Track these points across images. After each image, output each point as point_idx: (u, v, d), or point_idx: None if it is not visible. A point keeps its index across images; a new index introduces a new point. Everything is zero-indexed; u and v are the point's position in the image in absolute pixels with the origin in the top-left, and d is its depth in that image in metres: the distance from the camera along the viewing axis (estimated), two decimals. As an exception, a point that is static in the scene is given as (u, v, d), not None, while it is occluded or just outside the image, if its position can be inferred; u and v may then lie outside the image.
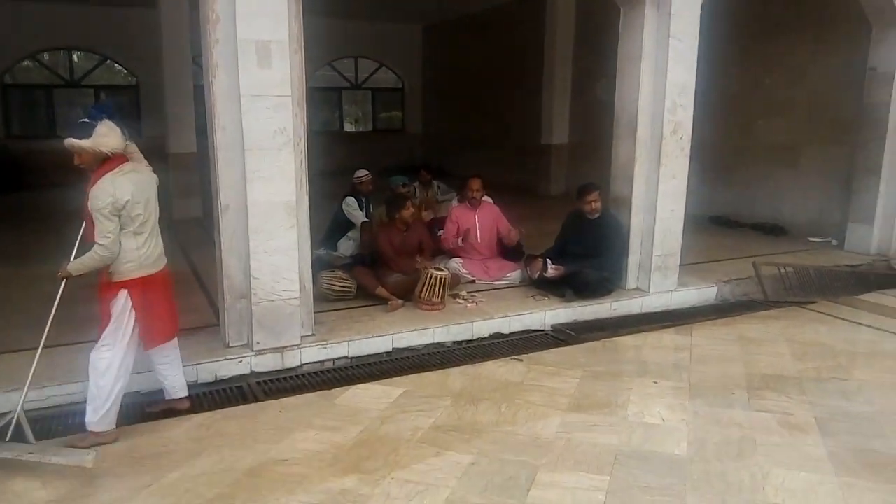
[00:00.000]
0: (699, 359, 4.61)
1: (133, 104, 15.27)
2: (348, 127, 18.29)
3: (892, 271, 6.69)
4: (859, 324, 5.34)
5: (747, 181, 8.79)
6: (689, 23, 5.46)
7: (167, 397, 3.78)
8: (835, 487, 2.98)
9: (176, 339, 3.77)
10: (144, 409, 3.79)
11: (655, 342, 5.00)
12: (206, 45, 4.22)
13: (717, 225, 8.72)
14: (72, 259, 3.38)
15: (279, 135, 4.27)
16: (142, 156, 3.61)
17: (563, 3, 11.67)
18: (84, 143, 3.29)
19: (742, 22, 8.38)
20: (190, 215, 9.61)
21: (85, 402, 3.43)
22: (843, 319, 5.43)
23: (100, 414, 3.36)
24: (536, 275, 5.62)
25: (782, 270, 6.15)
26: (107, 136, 3.31)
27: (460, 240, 6.06)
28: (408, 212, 5.65)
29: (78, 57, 15.12)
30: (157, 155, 11.48)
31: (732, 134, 8.86)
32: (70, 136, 3.33)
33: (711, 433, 3.53)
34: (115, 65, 15.54)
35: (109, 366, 3.36)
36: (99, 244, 3.27)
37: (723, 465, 3.20)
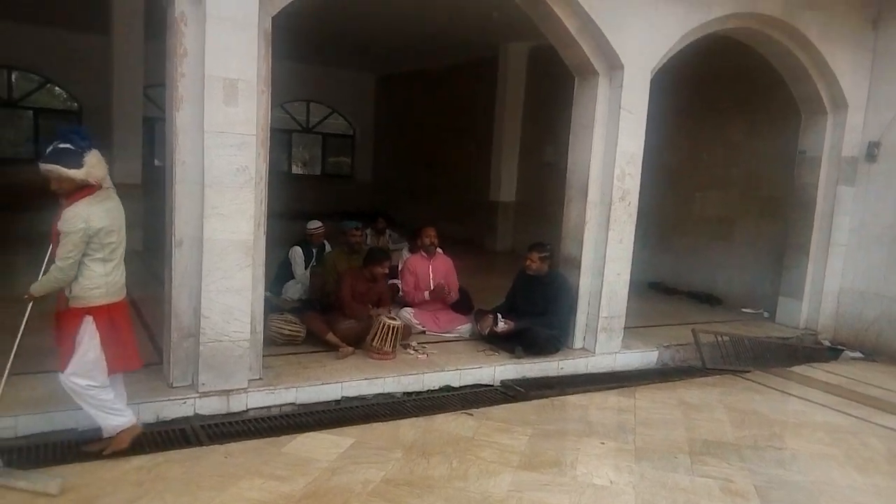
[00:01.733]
0: (643, 421, 4.71)
1: (75, 129, 14.80)
2: (296, 169, 18.20)
3: (819, 345, 7.07)
4: (790, 394, 5.58)
5: (685, 250, 9.19)
6: (639, 96, 5.76)
7: (105, 434, 3.58)
8: (776, 554, 3.07)
9: (121, 374, 3.61)
10: (81, 447, 3.58)
11: (601, 402, 5.09)
12: (172, 79, 4.19)
13: (655, 291, 9.03)
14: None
15: (241, 173, 4.23)
16: (111, 183, 3.51)
17: (515, 68, 12.11)
18: (75, 173, 3.24)
19: (685, 100, 8.89)
20: (130, 247, 9.22)
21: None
22: (776, 389, 5.66)
23: (111, 417, 3.47)
24: (486, 331, 5.67)
25: (719, 339, 6.40)
26: (96, 166, 3.32)
27: (427, 294, 6.09)
28: (382, 270, 5.67)
29: (16, 77, 14.63)
30: (97, 183, 11.22)
31: (672, 204, 9.28)
32: (52, 162, 3.24)
33: (658, 497, 3.59)
34: (56, 88, 15.10)
35: (88, 382, 3.37)
36: (57, 265, 3.24)
37: (670, 529, 3.25)
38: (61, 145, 3.27)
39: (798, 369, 6.27)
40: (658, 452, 4.18)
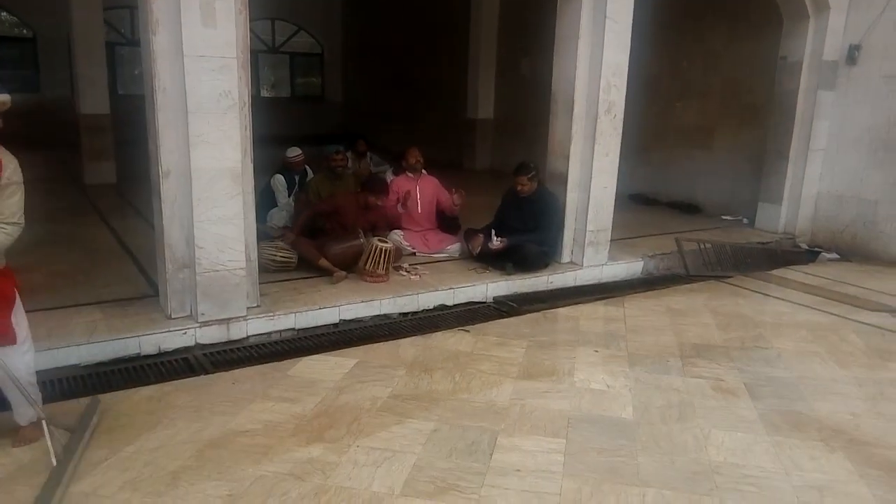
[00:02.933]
0: (633, 329, 4.87)
1: (30, 59, 14.12)
2: (264, 93, 17.68)
3: (797, 249, 7.28)
4: (772, 296, 5.79)
5: (665, 161, 9.24)
6: (624, 4, 5.62)
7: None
8: (768, 446, 3.26)
9: None
10: None
11: (591, 313, 5.23)
12: (145, 1, 3.98)
13: (636, 203, 9.12)
14: None
15: (224, 98, 4.11)
16: None
17: (491, -22, 11.71)
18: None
19: (663, 7, 8.71)
20: (103, 180, 9.07)
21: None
22: (758, 293, 5.86)
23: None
24: (478, 250, 5.70)
25: (702, 246, 6.55)
26: None
27: (400, 205, 6.07)
28: (378, 202, 5.67)
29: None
30: (61, 115, 10.83)
31: (651, 115, 9.24)
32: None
33: (653, 398, 3.76)
34: (4, 14, 14.28)
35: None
36: (17, 227, 2.84)
37: (667, 427, 3.42)
38: None
39: (778, 272, 6.48)
40: (650, 357, 4.35)
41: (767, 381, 4.01)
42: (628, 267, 6.26)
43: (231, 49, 4.09)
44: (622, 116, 5.85)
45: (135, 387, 3.62)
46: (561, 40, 5.86)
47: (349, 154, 8.02)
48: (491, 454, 3.10)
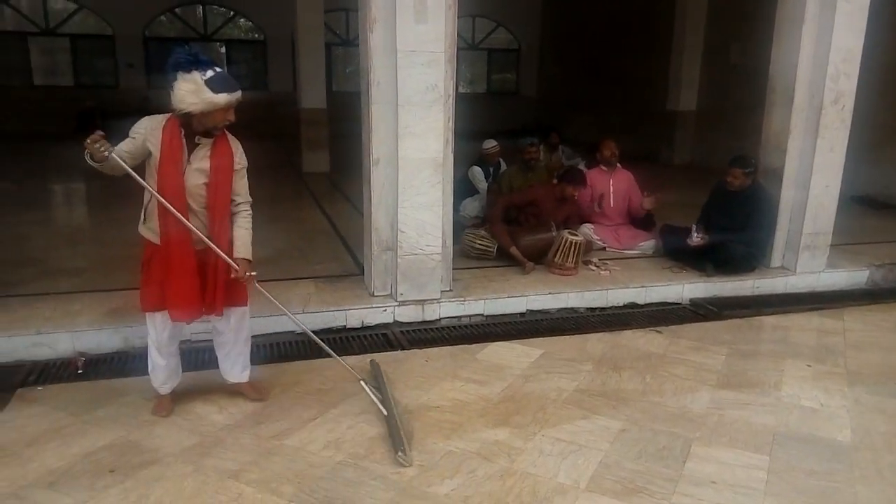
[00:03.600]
0: (854, 344, 4.35)
1: (260, 59, 15.87)
2: (461, 89, 18.25)
3: None
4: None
5: (898, 159, 8.11)
6: (861, -20, 5.02)
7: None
8: None
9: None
10: None
11: (803, 324, 4.76)
12: (365, 1, 4.28)
13: (862, 205, 8.12)
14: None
15: (431, 91, 4.29)
16: None
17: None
18: None
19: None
20: (318, 169, 9.97)
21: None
22: None
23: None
24: (695, 238, 5.30)
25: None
26: None
27: (596, 205, 5.96)
28: (575, 192, 5.66)
29: (208, 12, 15.81)
30: (283, 109, 12.03)
31: (885, 107, 8.15)
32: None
33: (876, 422, 3.34)
34: (243, 20, 16.14)
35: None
36: (248, 204, 3.15)
37: (893, 458, 3.03)
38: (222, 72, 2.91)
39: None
40: (873, 377, 3.87)
41: None
42: (850, 276, 5.59)
43: (440, 44, 4.27)
44: (851, 108, 5.23)
45: (341, 355, 3.91)
46: (782, 23, 5.37)
47: (542, 147, 8.02)
48: (684, 462, 2.95)
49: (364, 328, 4.38)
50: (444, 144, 4.45)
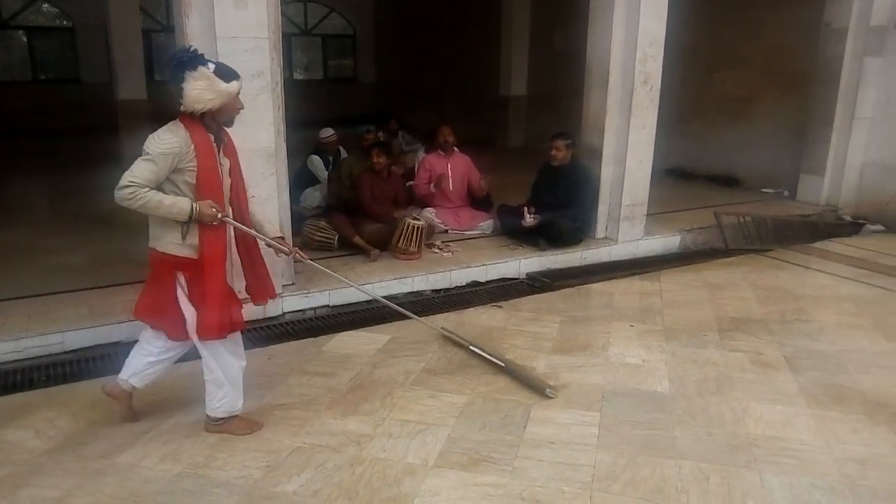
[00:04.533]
0: (669, 303, 4.80)
1: (69, 48, 14.43)
2: (297, 75, 17.76)
3: (840, 221, 7.06)
4: (814, 269, 5.65)
5: (703, 133, 9.01)
6: (661, -29, 5.49)
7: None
8: (808, 419, 3.20)
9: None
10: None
11: (626, 288, 5.17)
12: (177, -16, 4.02)
13: (673, 177, 8.93)
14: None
15: (257, 78, 4.13)
16: None
17: (522, -50, 11.50)
18: None
19: (703, -25, 8.47)
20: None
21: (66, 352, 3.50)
22: (799, 265, 5.72)
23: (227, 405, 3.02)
24: (528, 219, 5.55)
25: (741, 219, 6.40)
26: None
27: (432, 185, 6.07)
28: (379, 159, 5.59)
29: (4, -4, 14.11)
30: (100, 101, 11.05)
31: (689, 86, 8.99)
32: None
33: (690, 372, 3.71)
34: (45, 5, 14.58)
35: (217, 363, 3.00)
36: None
37: (704, 401, 3.38)
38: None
39: (820, 245, 6.31)
40: (687, 331, 4.29)
41: (808, 354, 3.93)
42: (665, 242, 6.16)
43: (263, 30, 4.11)
44: (659, 88, 5.73)
45: (175, 363, 3.69)
46: (595, 10, 5.75)
47: (381, 134, 8.03)
48: (524, 427, 3.10)
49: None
50: (276, 134, 4.32)
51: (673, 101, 8.80)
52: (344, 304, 4.66)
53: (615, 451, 2.91)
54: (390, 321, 4.41)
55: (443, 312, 4.58)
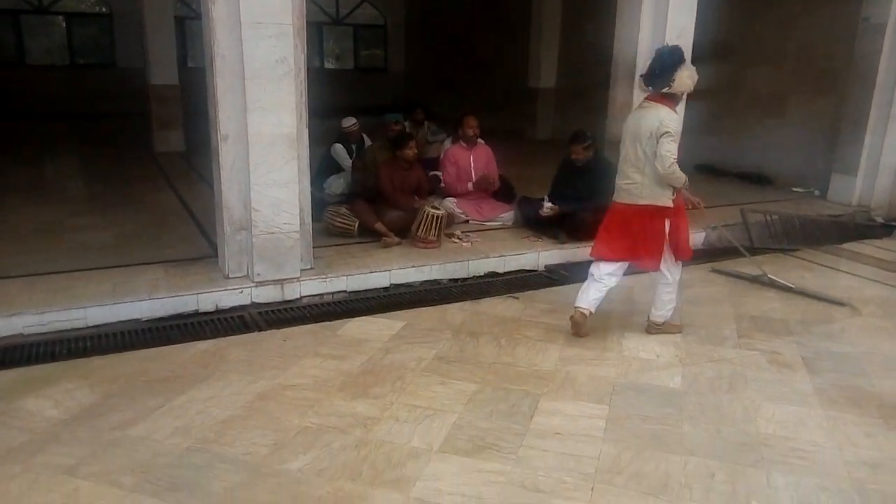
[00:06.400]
0: (689, 299, 4.73)
1: (107, 34, 14.70)
2: (328, 64, 17.86)
3: (872, 222, 6.89)
4: (840, 270, 5.52)
5: (734, 130, 8.85)
6: (692, -36, 5.41)
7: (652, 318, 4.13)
8: (821, 420, 3.14)
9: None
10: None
11: (647, 283, 5.06)
12: (204, -29, 4.07)
13: (702, 173, 8.78)
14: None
15: (280, 64, 4.18)
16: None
17: (554, -59, 11.39)
18: None
19: (738, -32, 8.31)
20: (172, 149, 9.42)
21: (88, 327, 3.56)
22: (826, 266, 5.60)
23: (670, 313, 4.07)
24: (545, 209, 5.56)
25: (768, 218, 6.27)
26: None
27: (471, 185, 6.07)
28: (411, 151, 5.66)
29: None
30: (134, 87, 11.25)
31: (721, 83, 8.86)
32: None
33: (704, 369, 3.67)
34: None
35: (675, 281, 4.01)
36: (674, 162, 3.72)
37: (716, 398, 3.34)
38: None
39: (849, 246, 6.16)
40: (705, 328, 4.24)
41: (828, 355, 3.85)
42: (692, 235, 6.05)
43: (287, 16, 4.16)
44: (686, 82, 5.63)
45: (191, 341, 3.78)
46: (623, 2, 5.69)
47: (407, 123, 8.05)
48: (531, 417, 3.10)
49: (218, 311, 4.22)
50: (298, 119, 4.36)
51: (704, 97, 8.71)
52: (361, 290, 4.70)
53: (621, 444, 2.90)
54: (407, 308, 4.44)
55: (458, 301, 4.58)
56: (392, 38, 17.72)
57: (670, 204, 3.76)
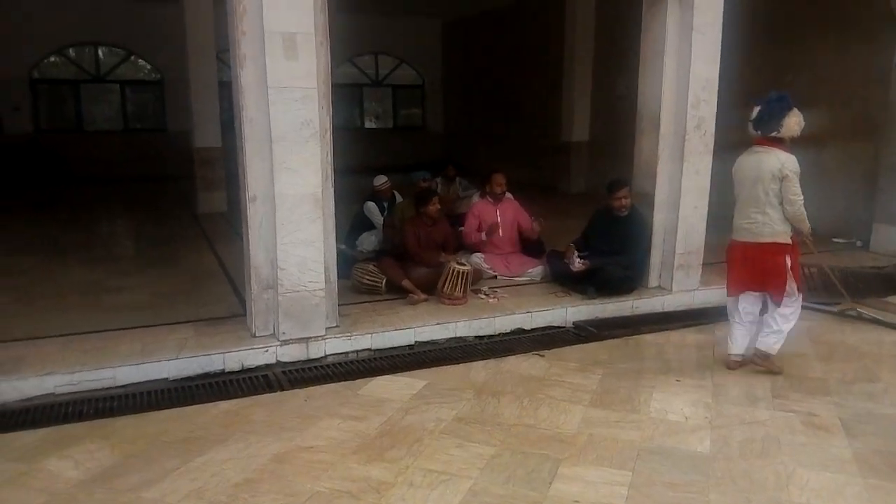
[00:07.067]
0: (723, 358, 4.58)
1: (158, 100, 15.47)
2: (369, 124, 18.35)
3: (918, 273, 6.62)
4: (885, 326, 5.28)
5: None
6: (712, 15, 5.41)
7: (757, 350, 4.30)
8: (861, 489, 2.96)
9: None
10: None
11: (678, 340, 4.99)
12: (234, 38, 4.27)
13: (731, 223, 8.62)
14: None
15: (305, 127, 4.31)
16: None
17: (584, -1, 11.62)
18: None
19: (764, 17, 8.30)
20: (214, 209, 9.73)
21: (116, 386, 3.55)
22: (869, 321, 5.37)
23: (779, 345, 4.22)
24: (576, 264, 5.52)
25: (806, 271, 6.07)
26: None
27: (484, 234, 6.08)
28: (434, 207, 5.72)
29: (103, 52, 15.32)
30: (181, 149, 11.75)
31: (740, 129, 8.73)
32: None
33: (735, 432, 3.52)
34: (140, 60, 15.72)
35: (794, 311, 4.19)
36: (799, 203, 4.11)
37: (747, 464, 3.19)
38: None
39: (894, 299, 5.90)
40: (737, 388, 4.08)
41: (868, 417, 3.65)
42: (722, 293, 5.81)
43: (312, 80, 4.30)
44: (713, 132, 5.60)
45: (215, 401, 3.81)
46: (647, 56, 5.73)
47: (439, 179, 8.17)
48: (550, 483, 3.01)
49: (244, 371, 4.26)
50: (324, 179, 4.46)
51: (736, 147, 8.61)
52: (385, 348, 4.69)
53: (643, 512, 2.78)
54: (430, 366, 4.41)
55: (483, 359, 4.53)
56: (429, 97, 18.16)
57: (790, 241, 4.09)
